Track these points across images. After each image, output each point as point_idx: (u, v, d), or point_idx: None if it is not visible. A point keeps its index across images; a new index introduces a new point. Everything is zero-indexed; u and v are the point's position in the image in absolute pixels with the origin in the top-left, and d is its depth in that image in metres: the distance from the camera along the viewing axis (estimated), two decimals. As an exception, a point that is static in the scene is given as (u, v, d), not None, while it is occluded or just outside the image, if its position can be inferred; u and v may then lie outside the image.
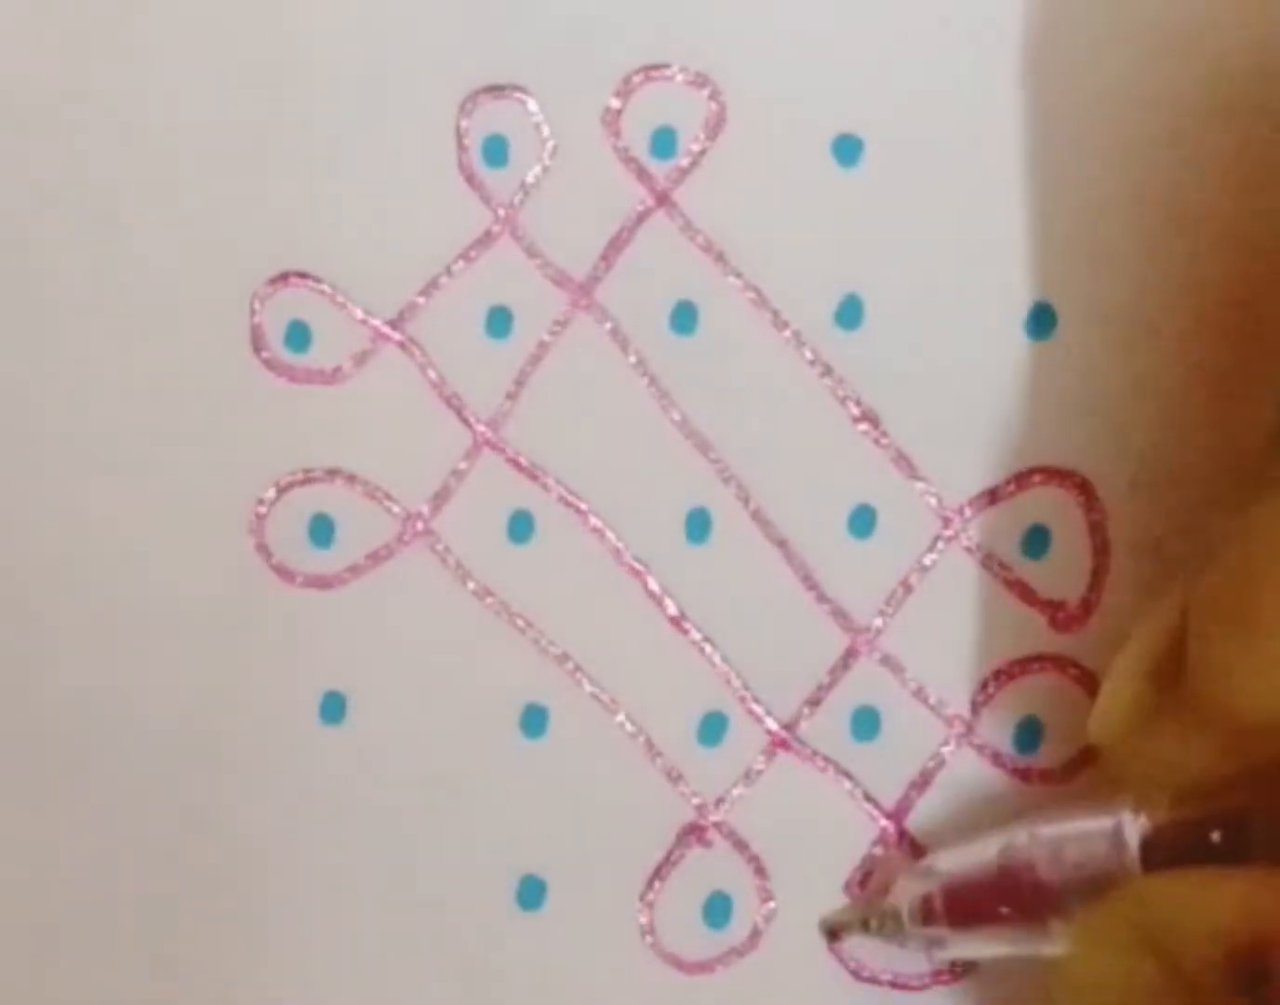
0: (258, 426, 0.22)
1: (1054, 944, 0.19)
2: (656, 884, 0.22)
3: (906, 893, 0.21)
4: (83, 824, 0.22)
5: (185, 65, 0.22)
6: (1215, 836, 0.18)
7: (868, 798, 0.22)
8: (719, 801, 0.22)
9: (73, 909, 0.22)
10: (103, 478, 0.22)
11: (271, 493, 0.22)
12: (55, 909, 0.22)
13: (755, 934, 0.22)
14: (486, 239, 0.22)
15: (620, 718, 0.22)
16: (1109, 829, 0.19)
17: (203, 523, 0.22)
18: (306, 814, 0.22)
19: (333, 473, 0.22)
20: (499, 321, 0.22)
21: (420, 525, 0.22)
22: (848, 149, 0.22)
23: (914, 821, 0.22)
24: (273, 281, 0.22)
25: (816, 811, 0.22)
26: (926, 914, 0.20)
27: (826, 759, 0.22)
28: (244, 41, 0.22)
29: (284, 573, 0.22)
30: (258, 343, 0.22)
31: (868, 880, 0.22)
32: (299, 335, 0.22)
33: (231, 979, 0.22)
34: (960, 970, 0.22)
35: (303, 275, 0.22)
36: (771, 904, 0.22)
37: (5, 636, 0.22)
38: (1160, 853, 0.19)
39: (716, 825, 0.22)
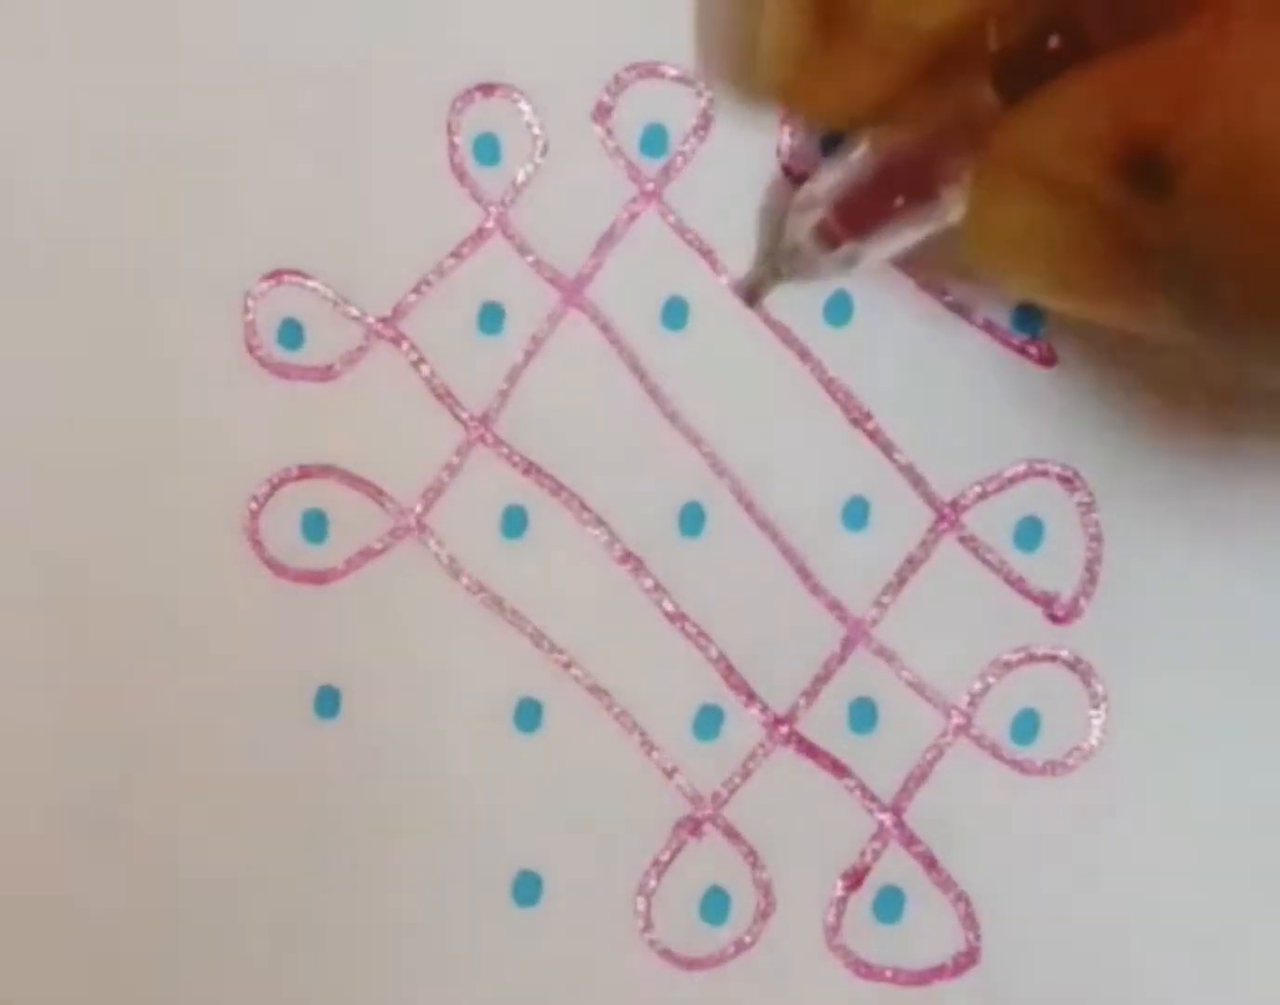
0: (251, 423, 0.22)
1: (954, 209, 0.19)
2: (653, 879, 0.22)
3: (801, 227, 0.20)
4: (79, 822, 0.22)
5: (181, 64, 0.22)
6: (1053, 42, 0.17)
7: (865, 790, 0.22)
8: (715, 795, 0.22)
9: (69, 907, 0.22)
10: (97, 474, 0.22)
11: (265, 489, 0.22)
12: (49, 909, 0.22)
13: (753, 929, 0.22)
14: (478, 236, 0.22)
15: (616, 712, 0.22)
16: (962, 89, 0.18)
17: (197, 518, 0.22)
18: (300, 808, 0.22)
19: (326, 469, 0.22)
20: (491, 318, 0.22)
21: (413, 521, 0.22)
22: (836, 143, 0.22)
23: (912, 813, 0.22)
24: (266, 279, 0.22)
25: (814, 804, 0.22)
26: (827, 238, 0.20)
27: (824, 752, 0.22)
28: (239, 40, 0.22)
29: (278, 568, 0.22)
30: (251, 340, 0.22)
31: (862, 877, 0.22)
32: (292, 333, 0.22)
33: (224, 974, 0.22)
34: (962, 961, 0.22)
35: (296, 273, 0.22)
36: (769, 898, 0.22)
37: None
38: (1013, 82, 0.18)
39: (713, 819, 0.22)
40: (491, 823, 0.22)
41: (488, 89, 0.22)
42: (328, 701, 0.22)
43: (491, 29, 0.22)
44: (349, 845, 0.22)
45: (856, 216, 0.20)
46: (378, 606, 0.22)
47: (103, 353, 0.22)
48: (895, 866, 0.22)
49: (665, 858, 0.22)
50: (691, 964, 0.22)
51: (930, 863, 0.22)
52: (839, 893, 0.22)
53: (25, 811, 0.22)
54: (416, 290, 0.22)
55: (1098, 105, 0.17)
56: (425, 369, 0.22)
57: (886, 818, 0.22)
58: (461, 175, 0.22)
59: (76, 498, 0.22)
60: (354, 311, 0.22)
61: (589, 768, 0.22)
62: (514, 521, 0.22)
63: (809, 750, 0.22)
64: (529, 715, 0.22)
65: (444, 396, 0.22)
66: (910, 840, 0.22)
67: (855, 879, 0.22)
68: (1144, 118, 0.16)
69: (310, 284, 0.22)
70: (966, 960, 0.22)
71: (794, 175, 0.22)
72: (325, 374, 0.22)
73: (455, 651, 0.22)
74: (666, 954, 0.22)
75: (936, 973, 0.22)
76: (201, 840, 0.22)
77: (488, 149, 0.22)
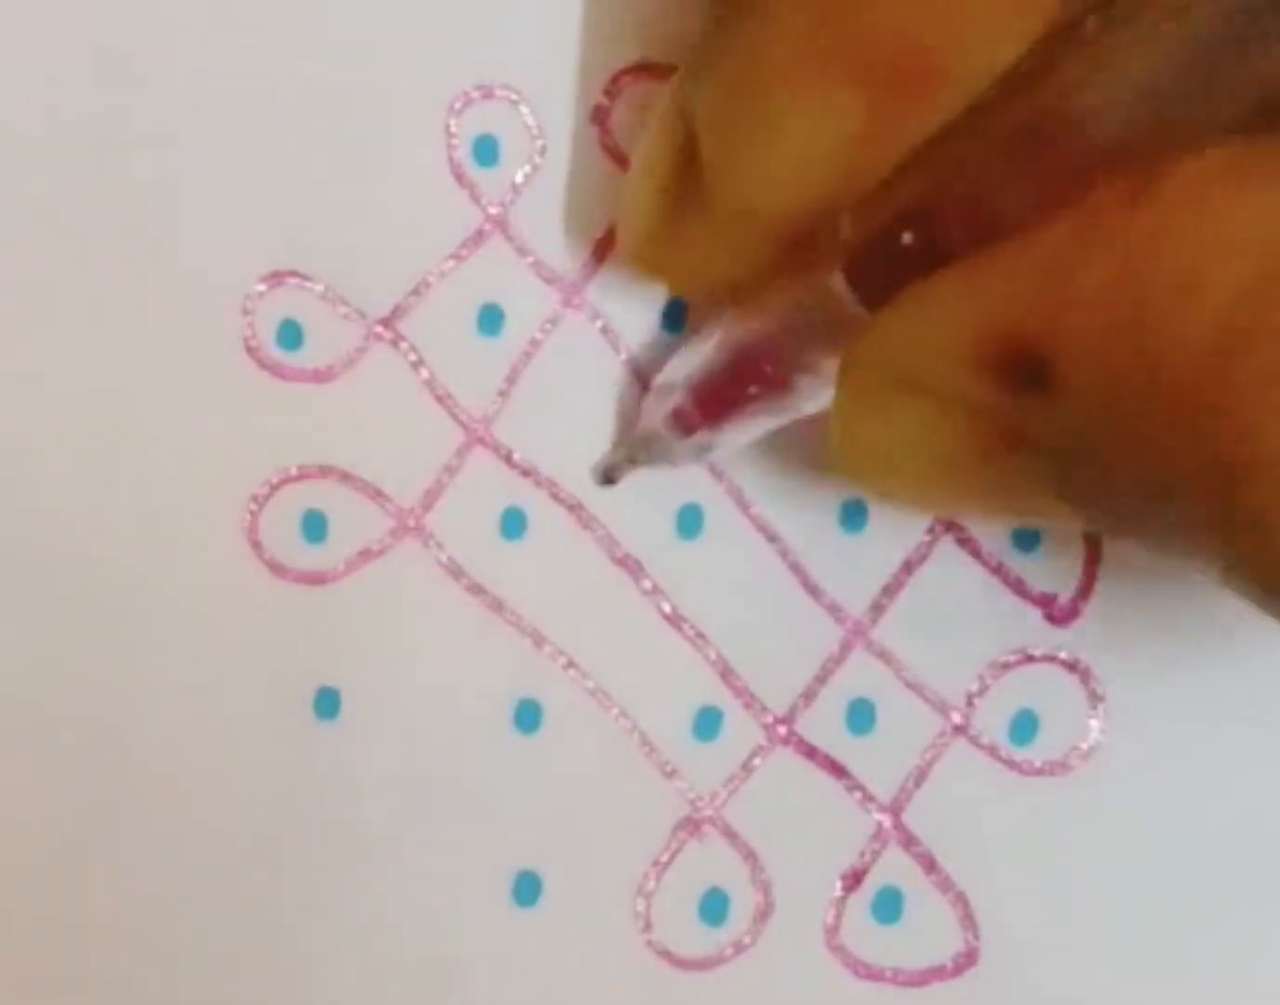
0: (251, 424, 0.22)
1: (812, 399, 0.19)
2: (652, 879, 0.22)
3: (656, 414, 0.20)
4: (75, 820, 0.22)
5: (180, 64, 0.22)
6: (906, 237, 0.17)
7: (864, 791, 0.22)
8: (714, 796, 0.22)
9: (66, 907, 0.22)
10: (95, 475, 0.22)
11: (265, 489, 0.22)
12: (46, 907, 0.22)
13: (752, 929, 0.22)
14: (477, 238, 0.22)
15: (615, 713, 0.22)
16: (817, 280, 0.18)
17: (196, 519, 0.22)
18: (299, 809, 0.22)
19: (325, 470, 0.22)
20: (490, 319, 0.22)
21: (413, 522, 0.22)
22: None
23: (911, 814, 0.22)
24: (265, 281, 0.22)
25: (813, 805, 0.22)
26: (683, 425, 0.20)
27: (822, 753, 0.22)
28: (236, 40, 0.22)
29: (277, 568, 0.22)
30: (250, 342, 0.22)
31: (861, 878, 0.22)
32: (291, 334, 0.22)
33: (222, 975, 0.22)
34: (961, 961, 0.22)
35: (295, 275, 0.22)
36: (768, 899, 0.22)
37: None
38: (867, 275, 0.17)
39: (712, 820, 0.22)
40: (491, 823, 0.22)
41: (486, 91, 0.22)
42: (327, 702, 0.22)
43: (490, 30, 0.22)
44: (348, 846, 0.22)
45: (712, 404, 0.19)
46: (377, 607, 0.22)
47: (102, 353, 0.22)
48: (894, 867, 0.22)
49: (664, 858, 0.22)
50: (690, 964, 0.22)
51: (929, 863, 0.22)
52: (838, 893, 0.22)
53: (22, 811, 0.22)
54: (416, 291, 0.22)
55: (965, 309, 0.16)
56: (424, 370, 0.22)
57: (885, 818, 0.22)
58: (460, 176, 0.22)
59: (75, 498, 0.22)
60: (353, 313, 0.22)
61: (588, 769, 0.22)
62: (513, 523, 0.22)
63: (808, 751, 0.22)
64: (528, 716, 0.22)
65: (443, 398, 0.22)
66: (909, 841, 0.22)
67: (854, 879, 0.22)
68: (1016, 321, 0.16)
69: (309, 285, 0.22)
70: (966, 960, 0.22)
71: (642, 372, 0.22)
72: (324, 375, 0.22)
73: (455, 652, 0.22)
74: (665, 954, 0.22)
75: (936, 973, 0.22)
76: (200, 840, 0.22)
77: (487, 150, 0.22)
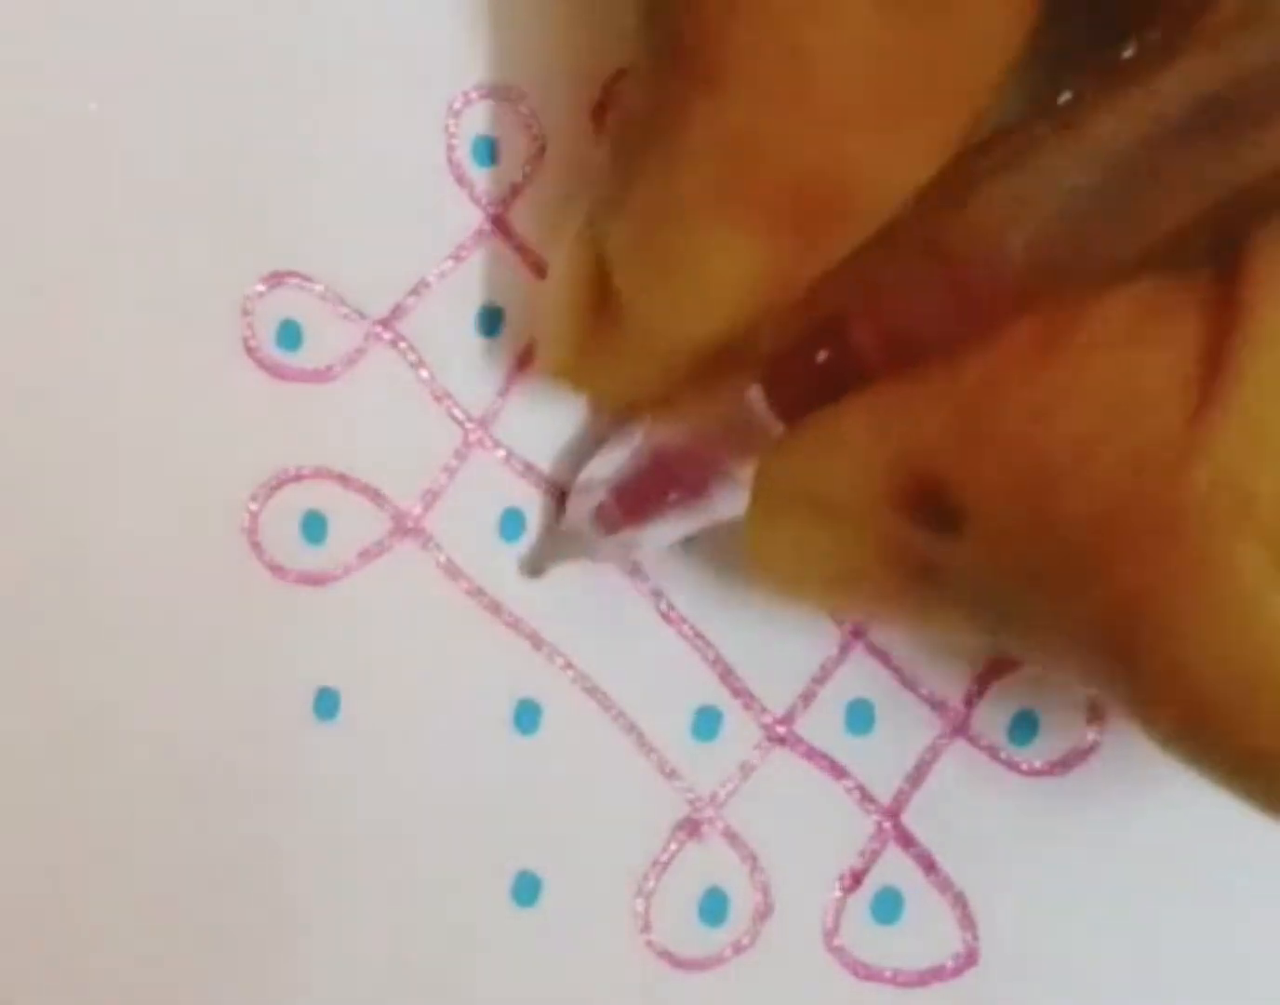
0: (250, 425, 0.22)
1: (728, 505, 0.19)
2: (652, 880, 0.22)
3: (580, 511, 0.20)
4: (74, 820, 0.22)
5: (177, 64, 0.22)
6: (821, 356, 0.17)
7: (863, 792, 0.22)
8: (714, 797, 0.22)
9: (64, 909, 0.22)
10: (94, 476, 0.22)
11: (264, 490, 0.22)
12: (45, 909, 0.22)
13: (751, 930, 0.22)
14: (477, 238, 0.22)
15: (614, 714, 0.22)
16: (733, 392, 0.18)
17: (195, 520, 0.22)
18: (299, 810, 0.22)
19: (325, 471, 0.22)
20: (490, 320, 0.22)
21: (412, 523, 0.22)
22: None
23: (910, 815, 0.22)
24: (264, 281, 0.22)
25: (812, 806, 0.22)
26: (606, 522, 0.20)
27: (821, 753, 0.22)
28: (235, 41, 0.22)
29: (276, 569, 0.22)
30: (249, 342, 0.22)
31: (861, 878, 0.22)
32: (290, 334, 0.22)
33: (222, 975, 0.22)
34: (960, 962, 0.22)
35: (294, 275, 0.22)
36: (767, 899, 0.22)
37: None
38: (785, 394, 0.18)
39: (711, 821, 0.22)
40: (490, 823, 0.22)
41: (486, 91, 0.22)
42: (326, 703, 0.22)
43: (490, 30, 0.22)
44: (347, 846, 0.22)
45: (633, 504, 0.20)
46: (376, 608, 0.22)
47: (102, 352, 0.22)
48: (893, 868, 0.22)
49: (664, 859, 0.22)
50: (690, 965, 0.22)
51: (928, 864, 0.22)
52: (837, 894, 0.22)
53: (21, 811, 0.22)
54: (415, 292, 0.22)
55: (877, 445, 0.17)
56: (424, 371, 0.22)
57: (884, 819, 0.22)
58: (460, 177, 0.22)
59: (74, 497, 0.22)
60: (353, 313, 0.22)
61: (588, 769, 0.22)
62: (512, 524, 0.22)
63: (807, 752, 0.22)
64: (528, 717, 0.22)
65: (443, 398, 0.22)
66: (908, 841, 0.22)
67: (854, 880, 0.22)
68: (926, 462, 0.16)
69: (309, 285, 0.22)
70: (965, 961, 0.22)
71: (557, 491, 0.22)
72: (324, 375, 0.22)
73: (454, 653, 0.22)
74: (665, 955, 0.22)
75: (935, 973, 0.22)
76: (200, 840, 0.22)
77: (487, 150, 0.22)
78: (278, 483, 0.22)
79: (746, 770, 0.22)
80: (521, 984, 0.22)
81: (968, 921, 0.22)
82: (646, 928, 0.22)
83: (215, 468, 0.22)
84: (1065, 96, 0.16)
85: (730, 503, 0.19)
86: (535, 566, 0.22)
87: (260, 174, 0.22)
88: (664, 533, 0.20)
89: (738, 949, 0.22)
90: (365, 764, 0.22)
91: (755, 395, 0.18)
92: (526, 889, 0.22)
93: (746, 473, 0.18)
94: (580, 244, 0.19)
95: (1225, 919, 0.22)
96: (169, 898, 0.22)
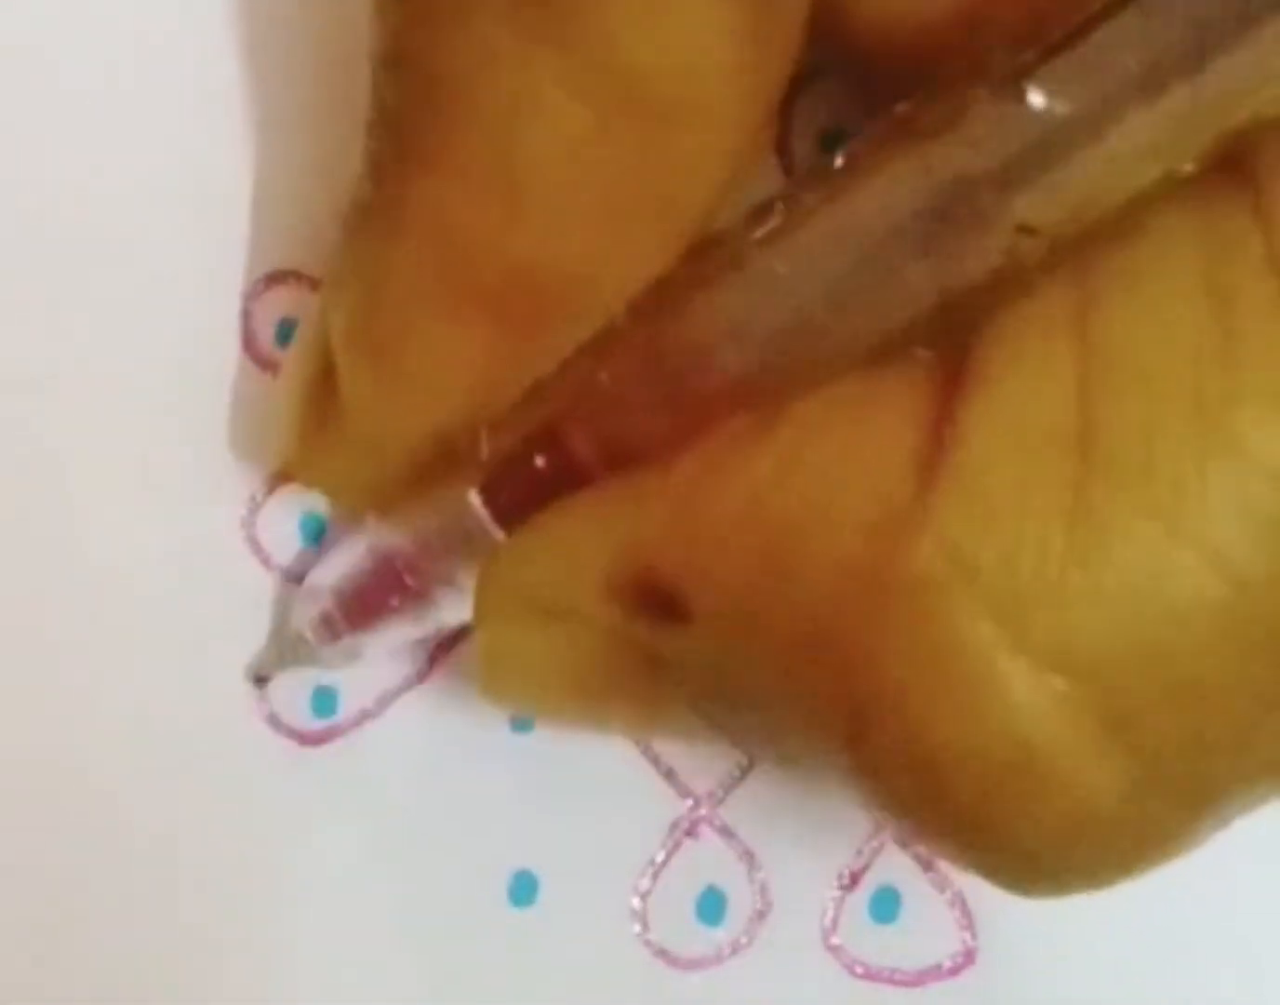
0: (248, 424, 0.22)
1: (452, 611, 0.19)
2: (649, 879, 0.22)
3: (303, 618, 0.20)
4: (71, 820, 0.22)
5: (176, 64, 0.22)
6: (539, 461, 0.17)
7: (861, 791, 0.22)
8: (711, 795, 0.22)
9: (62, 906, 0.22)
10: (92, 475, 0.22)
11: (263, 490, 0.22)
12: (42, 906, 0.22)
13: (749, 929, 0.22)
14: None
15: (612, 712, 0.22)
16: (453, 497, 0.18)
17: (195, 519, 0.22)
18: (298, 809, 0.22)
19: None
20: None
21: (411, 523, 0.22)
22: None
23: (908, 814, 0.22)
24: (264, 280, 0.22)
25: (810, 805, 0.22)
26: (329, 629, 0.20)
27: (819, 752, 0.22)
28: (236, 40, 0.22)
29: (275, 569, 0.22)
30: (248, 341, 0.22)
31: (859, 877, 0.22)
32: (290, 334, 0.22)
33: (223, 976, 0.22)
34: (959, 961, 0.22)
35: (294, 274, 0.22)
36: (765, 898, 0.22)
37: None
38: (503, 500, 0.18)
39: (709, 819, 0.22)
40: (487, 822, 0.22)
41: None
42: (325, 701, 0.22)
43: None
44: (344, 846, 0.22)
45: (357, 610, 0.19)
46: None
47: (101, 352, 0.22)
48: (892, 866, 0.22)
49: (661, 858, 0.22)
50: (688, 964, 0.22)
51: (927, 863, 0.22)
52: (835, 893, 0.22)
53: (16, 811, 0.22)
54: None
55: (596, 541, 0.17)
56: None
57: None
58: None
59: (74, 498, 0.22)
60: (351, 313, 0.22)
61: (585, 768, 0.22)
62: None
63: (805, 751, 0.22)
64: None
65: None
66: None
67: (852, 879, 0.22)
68: (646, 555, 0.16)
69: (309, 284, 0.22)
70: (963, 960, 0.22)
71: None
72: (323, 375, 0.22)
73: (452, 653, 0.22)
74: (663, 954, 0.22)
75: (933, 973, 0.22)
76: (198, 841, 0.22)
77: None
78: (276, 483, 0.22)
79: (744, 769, 0.22)
80: (519, 984, 0.22)
81: (966, 920, 0.22)
82: (644, 927, 0.22)
83: (213, 466, 0.22)
84: (838, 160, 0.16)
85: (455, 609, 0.19)
86: (261, 673, 0.21)
87: (261, 172, 0.22)
88: (387, 639, 0.20)
89: (736, 948, 0.22)
90: (364, 763, 0.22)
91: (474, 500, 0.18)
92: (523, 888, 0.22)
93: (469, 580, 0.18)
94: (312, 333, 0.18)
95: (1225, 918, 0.22)
96: (169, 899, 0.22)
